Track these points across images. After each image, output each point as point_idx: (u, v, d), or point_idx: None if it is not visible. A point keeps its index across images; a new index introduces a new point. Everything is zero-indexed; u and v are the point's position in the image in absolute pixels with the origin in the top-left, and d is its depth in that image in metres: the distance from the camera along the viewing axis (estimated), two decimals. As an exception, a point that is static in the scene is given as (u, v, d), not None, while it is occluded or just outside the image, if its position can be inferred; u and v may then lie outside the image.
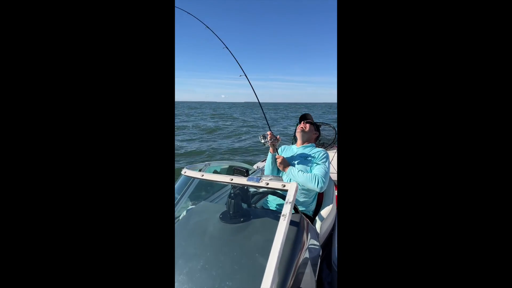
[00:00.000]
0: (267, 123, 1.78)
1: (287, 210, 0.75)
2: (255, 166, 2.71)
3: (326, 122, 3.16)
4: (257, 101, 1.81)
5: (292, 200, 0.79)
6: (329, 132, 3.16)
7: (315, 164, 1.57)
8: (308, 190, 1.56)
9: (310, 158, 1.62)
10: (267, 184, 0.88)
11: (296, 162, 1.62)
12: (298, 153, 1.70)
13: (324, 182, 1.45)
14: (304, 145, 1.74)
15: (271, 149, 1.61)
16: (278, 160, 1.57)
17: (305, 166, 1.58)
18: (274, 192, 1.35)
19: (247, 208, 1.09)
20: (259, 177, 0.93)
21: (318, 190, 1.46)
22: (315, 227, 1.31)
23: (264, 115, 1.82)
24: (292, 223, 0.92)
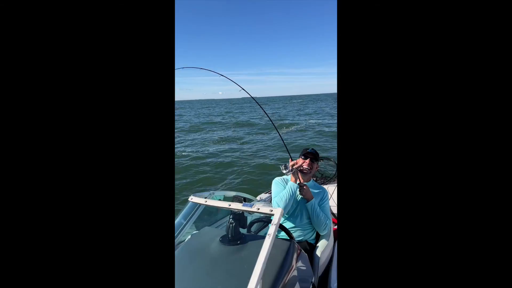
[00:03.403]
0: (285, 146, 1.90)
1: (271, 230, 0.89)
2: (258, 197, 2.70)
3: (327, 156, 3.09)
4: (253, 96, 1.98)
5: (277, 223, 0.93)
6: (329, 166, 3.00)
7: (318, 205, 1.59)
8: (310, 220, 1.58)
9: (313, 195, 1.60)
10: (258, 209, 1.03)
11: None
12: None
13: (329, 229, 1.56)
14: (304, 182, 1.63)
15: (292, 178, 1.55)
16: (305, 188, 1.54)
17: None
18: (268, 220, 1.53)
19: (245, 233, 1.26)
20: (252, 203, 1.08)
21: (321, 233, 1.57)
22: (317, 253, 1.47)
23: (280, 136, 2.00)
24: (282, 245, 1.11)
